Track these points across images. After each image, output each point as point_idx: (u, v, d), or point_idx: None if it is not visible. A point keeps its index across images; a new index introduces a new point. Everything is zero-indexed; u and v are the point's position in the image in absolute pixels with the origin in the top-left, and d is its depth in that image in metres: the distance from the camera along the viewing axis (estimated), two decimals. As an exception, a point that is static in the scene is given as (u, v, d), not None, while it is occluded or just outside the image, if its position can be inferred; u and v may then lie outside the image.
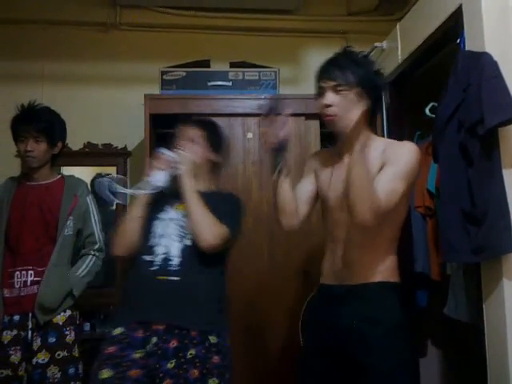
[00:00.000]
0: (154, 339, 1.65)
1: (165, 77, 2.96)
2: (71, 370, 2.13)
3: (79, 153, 3.21)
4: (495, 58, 1.74)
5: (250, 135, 2.83)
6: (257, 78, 2.99)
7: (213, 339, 1.69)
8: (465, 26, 1.91)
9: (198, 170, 1.87)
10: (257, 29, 3.37)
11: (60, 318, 2.17)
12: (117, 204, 2.25)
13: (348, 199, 1.53)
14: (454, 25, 1.99)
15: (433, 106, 2.29)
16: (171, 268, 1.73)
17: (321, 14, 3.41)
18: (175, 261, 1.74)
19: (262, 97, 2.87)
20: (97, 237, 2.32)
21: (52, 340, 2.13)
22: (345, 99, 1.57)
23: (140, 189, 1.79)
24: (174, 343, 1.64)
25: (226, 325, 1.79)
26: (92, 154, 3.24)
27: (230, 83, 2.97)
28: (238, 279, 2.67)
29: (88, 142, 3.24)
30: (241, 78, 2.99)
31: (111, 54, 3.31)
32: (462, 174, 1.78)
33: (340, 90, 1.58)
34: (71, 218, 2.25)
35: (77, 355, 2.18)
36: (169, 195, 1.84)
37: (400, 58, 2.52)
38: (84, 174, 2.82)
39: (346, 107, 1.57)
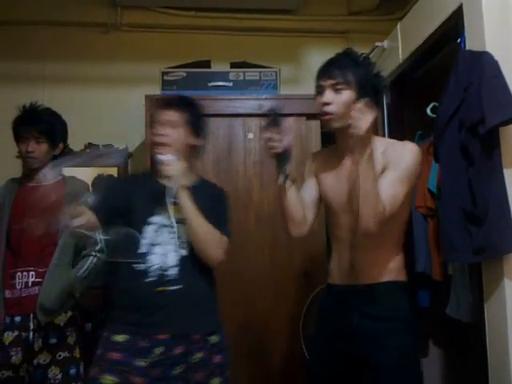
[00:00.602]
0: (160, 349, 1.63)
1: (165, 77, 2.96)
2: (72, 371, 2.13)
3: (80, 153, 3.21)
4: (496, 57, 1.74)
5: (250, 135, 2.83)
6: (257, 78, 2.99)
7: (213, 339, 1.70)
8: (465, 25, 1.90)
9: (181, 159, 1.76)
10: (257, 29, 3.37)
11: (61, 319, 2.17)
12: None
13: (353, 206, 1.53)
14: (454, 24, 1.99)
15: (434, 105, 2.28)
16: (170, 278, 1.68)
17: (321, 14, 3.41)
18: (173, 270, 1.69)
19: (263, 97, 2.87)
20: (98, 238, 2.31)
21: (53, 341, 2.13)
22: (343, 98, 1.58)
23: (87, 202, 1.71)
24: (179, 350, 1.64)
25: (222, 322, 1.79)
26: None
27: (230, 83, 2.97)
28: (240, 280, 2.68)
29: (89, 143, 3.23)
30: (241, 78, 2.99)
31: (112, 54, 3.31)
32: (463, 173, 1.78)
33: (339, 89, 1.58)
34: (72, 218, 2.26)
35: (78, 356, 2.17)
36: (154, 198, 1.74)
37: (401, 57, 2.52)
38: (85, 174, 2.82)
39: (345, 106, 1.57)
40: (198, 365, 1.65)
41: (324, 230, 2.41)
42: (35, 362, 2.10)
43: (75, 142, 3.03)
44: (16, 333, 2.12)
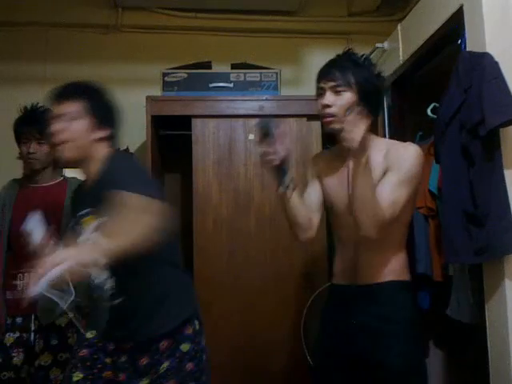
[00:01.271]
0: (124, 357, 1.58)
1: (166, 78, 2.97)
2: (74, 372, 2.14)
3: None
4: (496, 58, 1.74)
5: (251, 136, 2.83)
6: (258, 79, 3.00)
7: (184, 348, 1.57)
8: (466, 26, 1.91)
9: (83, 155, 1.57)
10: (258, 30, 3.37)
11: (62, 320, 2.17)
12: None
13: (353, 211, 1.53)
14: (454, 25, 1.99)
15: (434, 106, 2.29)
16: (110, 292, 1.54)
17: (322, 15, 3.41)
18: (110, 283, 1.53)
19: (264, 98, 2.87)
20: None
21: (54, 342, 2.13)
22: (344, 100, 1.58)
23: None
24: (144, 361, 1.55)
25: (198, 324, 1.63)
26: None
27: (231, 84, 2.98)
28: (240, 281, 2.68)
29: (90, 144, 3.24)
30: (242, 79, 2.99)
31: (113, 55, 3.31)
32: (464, 174, 1.78)
33: (340, 91, 1.58)
34: (73, 219, 2.26)
35: (79, 357, 2.18)
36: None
37: (401, 58, 2.52)
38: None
39: (344, 109, 1.57)
40: (167, 374, 1.54)
41: (325, 231, 2.41)
42: (36, 363, 2.10)
43: (76, 143, 3.04)
44: (17, 334, 2.13)
